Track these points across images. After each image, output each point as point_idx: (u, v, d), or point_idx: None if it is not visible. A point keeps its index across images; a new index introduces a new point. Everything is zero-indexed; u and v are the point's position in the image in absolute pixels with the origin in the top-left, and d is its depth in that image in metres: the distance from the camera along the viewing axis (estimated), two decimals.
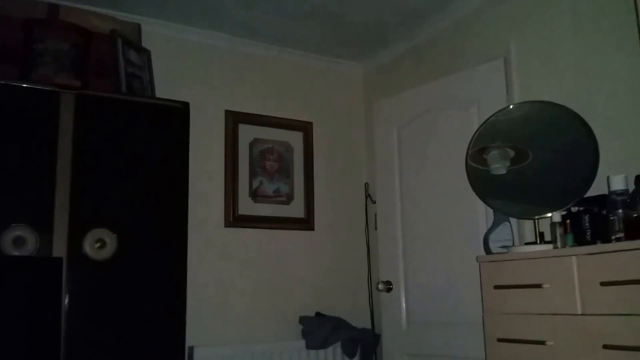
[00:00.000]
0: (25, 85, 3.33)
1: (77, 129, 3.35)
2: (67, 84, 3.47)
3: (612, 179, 2.62)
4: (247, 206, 4.71)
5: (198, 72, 4.65)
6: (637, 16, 2.63)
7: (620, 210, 2.55)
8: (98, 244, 3.30)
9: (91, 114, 3.43)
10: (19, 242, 3.11)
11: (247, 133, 4.79)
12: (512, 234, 3.28)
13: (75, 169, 3.31)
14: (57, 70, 3.58)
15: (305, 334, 4.51)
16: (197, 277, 4.19)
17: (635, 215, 2.47)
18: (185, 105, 3.75)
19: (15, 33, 3.60)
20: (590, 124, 2.97)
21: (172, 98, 3.84)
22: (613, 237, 2.56)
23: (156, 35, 4.42)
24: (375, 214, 4.71)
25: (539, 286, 2.67)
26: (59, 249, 3.21)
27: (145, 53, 4.10)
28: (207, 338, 4.29)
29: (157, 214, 3.55)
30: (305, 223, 4.94)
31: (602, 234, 2.68)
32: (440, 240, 4.06)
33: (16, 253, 3.10)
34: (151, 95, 3.98)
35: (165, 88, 4.19)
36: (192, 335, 3.73)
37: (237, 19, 4.49)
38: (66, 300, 3.17)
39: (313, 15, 4.45)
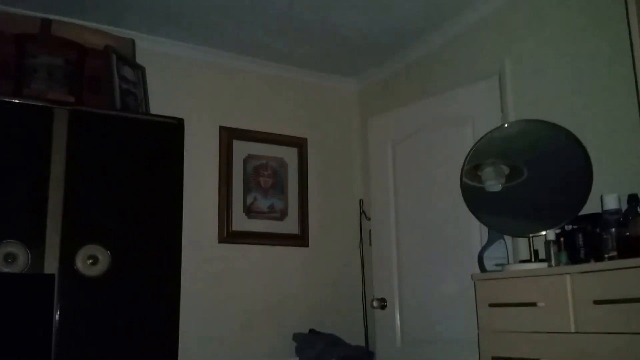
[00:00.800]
0: (18, 101, 3.32)
1: (70, 145, 3.34)
2: (60, 100, 3.46)
3: (605, 198, 2.64)
4: (241, 222, 4.70)
5: (193, 88, 4.65)
6: (630, 35, 2.64)
7: (613, 229, 2.57)
8: (90, 261, 3.29)
9: (85, 130, 3.42)
10: (10, 258, 3.09)
11: (241, 149, 4.79)
12: (507, 251, 3.28)
13: (68, 185, 3.30)
14: (50, 86, 3.58)
15: (299, 351, 4.49)
16: (190, 293, 4.16)
17: (628, 234, 2.47)
18: (180, 121, 3.74)
19: (8, 48, 3.60)
20: (584, 142, 2.97)
21: (167, 114, 3.83)
22: (606, 256, 2.58)
23: (151, 51, 4.43)
24: (370, 231, 4.70)
25: (533, 304, 2.66)
26: (51, 265, 3.19)
27: (139, 69, 4.10)
28: (199, 355, 4.27)
29: (150, 230, 3.54)
30: (300, 239, 4.93)
31: (595, 253, 2.68)
32: (435, 257, 4.05)
33: (7, 270, 3.08)
34: (145, 112, 3.98)
35: (160, 104, 4.20)
36: (184, 352, 3.70)
37: (232, 36, 4.50)
38: (57, 317, 3.15)
39: (308, 33, 4.47)
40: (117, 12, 4.11)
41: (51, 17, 3.89)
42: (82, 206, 3.34)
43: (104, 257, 3.33)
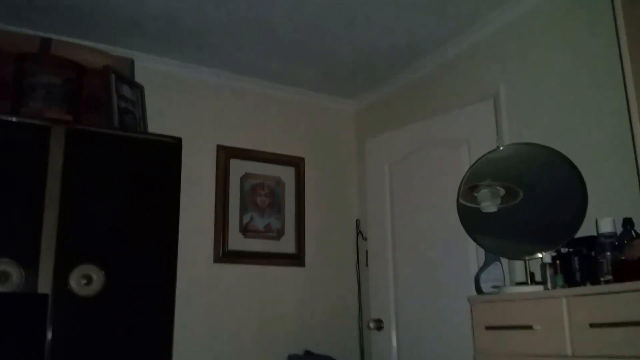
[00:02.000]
0: (15, 120, 3.32)
1: (66, 163, 3.33)
2: (58, 119, 3.46)
3: (600, 221, 2.64)
4: (237, 241, 4.70)
5: (190, 107, 4.67)
6: (621, 61, 2.66)
7: (608, 253, 2.57)
8: (84, 280, 3.26)
9: (82, 149, 3.41)
10: (3, 277, 3.07)
11: (238, 168, 4.80)
12: (503, 273, 3.27)
13: (64, 204, 3.28)
14: (48, 105, 3.58)
15: None
16: (185, 313, 4.14)
17: (623, 257, 2.48)
18: (178, 140, 3.75)
19: (7, 67, 3.59)
20: (579, 165, 2.98)
21: (165, 133, 3.83)
22: (602, 279, 2.57)
23: (149, 70, 4.44)
24: (367, 251, 4.70)
25: (529, 327, 2.65)
26: (45, 284, 3.17)
27: (138, 88, 4.11)
28: None
29: (146, 250, 3.52)
30: (296, 259, 4.92)
31: (591, 276, 2.68)
32: (431, 278, 4.05)
33: (0, 289, 3.06)
34: (143, 131, 3.98)
35: (158, 123, 4.20)
36: None
37: (231, 56, 4.53)
38: (50, 337, 3.12)
39: (306, 55, 4.50)
40: (117, 32, 4.14)
41: (51, 36, 3.90)
42: (77, 225, 3.32)
43: (98, 277, 3.31)
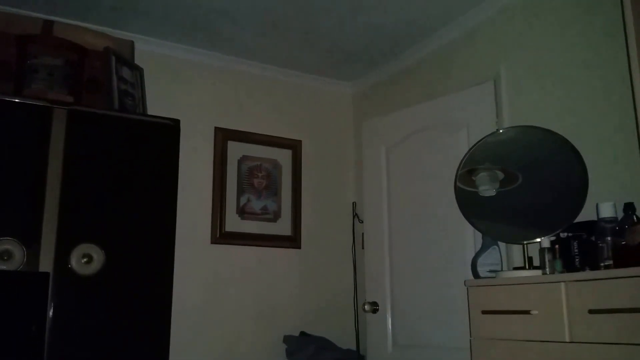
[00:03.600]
0: (17, 100, 3.33)
1: (68, 144, 3.34)
2: (59, 100, 3.47)
3: (601, 206, 2.63)
4: (234, 223, 4.71)
5: (189, 89, 4.68)
6: (627, 41, 2.64)
7: (609, 238, 2.56)
8: (85, 259, 3.29)
9: (82, 130, 3.42)
10: (5, 255, 3.09)
11: (236, 150, 4.80)
12: (501, 258, 3.28)
13: (65, 184, 3.30)
14: (50, 86, 3.60)
15: (289, 354, 4.49)
16: (182, 293, 4.17)
17: (624, 242, 2.47)
18: (176, 122, 3.75)
19: (10, 49, 3.61)
20: (580, 149, 2.97)
21: (163, 115, 3.84)
22: (602, 264, 2.56)
23: (149, 52, 4.46)
24: (363, 234, 4.71)
25: (527, 312, 2.65)
26: (46, 263, 3.19)
27: (138, 70, 4.11)
28: (190, 356, 4.29)
29: (144, 230, 3.54)
30: (292, 241, 4.94)
31: (591, 261, 2.67)
32: (428, 261, 4.06)
33: (2, 267, 3.08)
34: (143, 112, 3.98)
35: (157, 105, 4.22)
36: (176, 353, 3.69)
37: (229, 39, 4.52)
38: (51, 315, 3.15)
39: (305, 37, 4.50)
40: (118, 14, 4.13)
41: (53, 18, 3.91)
42: (78, 205, 3.34)
43: (98, 256, 3.33)
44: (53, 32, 3.77)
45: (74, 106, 3.46)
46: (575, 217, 2.87)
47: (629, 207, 2.58)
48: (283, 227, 4.94)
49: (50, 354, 3.12)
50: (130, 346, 3.38)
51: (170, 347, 3.50)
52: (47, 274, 3.18)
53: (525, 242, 3.06)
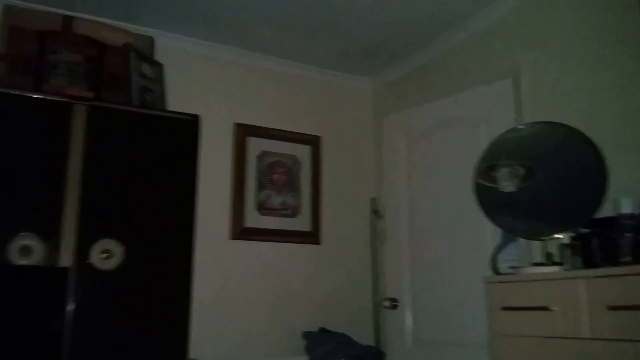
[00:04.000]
0: (37, 96, 3.35)
1: (87, 139, 3.36)
2: (79, 95, 3.50)
3: (620, 202, 2.61)
4: (253, 219, 4.72)
5: (209, 85, 4.69)
6: None
7: (628, 234, 2.54)
8: (105, 255, 3.30)
9: (102, 126, 3.44)
10: (25, 250, 3.12)
11: (255, 146, 4.81)
12: (521, 254, 3.27)
13: (85, 179, 3.32)
14: (70, 82, 3.63)
15: (308, 350, 4.49)
16: (202, 288, 4.17)
17: None
18: (196, 118, 3.77)
19: (29, 44, 3.64)
20: (599, 145, 2.96)
21: (183, 110, 3.85)
22: (621, 261, 2.54)
23: (169, 48, 4.46)
24: (382, 230, 4.71)
25: (546, 309, 2.64)
26: (66, 258, 3.22)
27: (158, 66, 4.14)
28: (210, 351, 4.28)
29: (164, 225, 3.56)
30: (311, 237, 4.94)
31: (610, 257, 2.65)
32: (447, 257, 4.05)
33: (22, 262, 3.10)
34: (162, 108, 4.00)
35: (177, 100, 4.24)
36: (195, 348, 3.72)
37: (249, 34, 4.53)
38: (70, 310, 3.17)
39: (324, 32, 4.49)
40: (137, 10, 4.15)
41: (73, 14, 3.93)
42: (98, 200, 3.36)
43: (118, 251, 3.35)
44: (72, 28, 3.81)
45: (93, 102, 3.48)
46: (595, 213, 2.86)
47: None
48: (302, 222, 4.94)
49: (69, 349, 3.14)
50: (150, 341, 3.39)
51: (190, 341, 3.52)
52: (66, 269, 3.20)
53: (545, 238, 3.06)
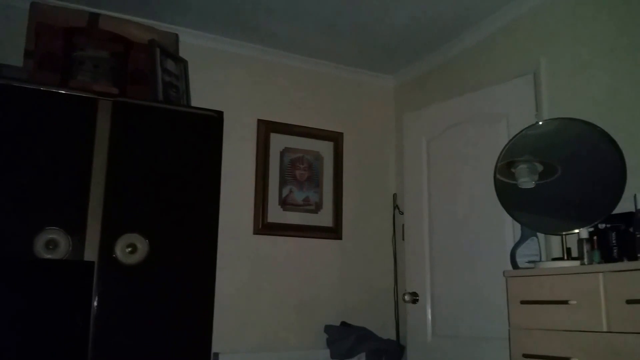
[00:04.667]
0: (64, 92, 3.39)
1: (113, 135, 3.41)
2: (105, 91, 3.53)
3: (639, 197, 2.62)
4: (276, 214, 4.76)
5: (232, 82, 4.73)
6: None
7: None
8: (129, 249, 3.35)
9: (127, 121, 3.49)
10: (51, 245, 3.16)
11: (278, 142, 4.85)
12: (539, 249, 3.29)
13: (110, 174, 3.37)
14: (95, 78, 3.67)
15: (330, 343, 4.53)
16: (225, 283, 4.23)
17: None
18: (220, 114, 3.80)
19: (56, 41, 3.68)
20: (618, 140, 2.97)
21: (207, 107, 3.89)
22: (639, 255, 2.56)
23: (193, 45, 4.52)
24: (403, 225, 4.73)
25: (565, 302, 2.66)
26: (91, 252, 3.26)
27: (182, 63, 4.17)
28: (232, 345, 4.34)
29: (188, 220, 3.59)
30: (333, 232, 4.98)
31: (628, 252, 2.68)
32: (467, 253, 4.06)
33: (48, 256, 3.15)
34: (187, 104, 4.04)
35: (201, 97, 4.28)
36: (218, 342, 3.76)
37: (272, 32, 4.57)
38: (95, 303, 3.21)
39: (347, 31, 4.52)
40: (163, 7, 4.21)
41: (99, 11, 3.98)
42: (123, 195, 3.40)
43: (142, 246, 3.39)
44: (99, 25, 3.84)
45: (118, 98, 3.52)
46: (614, 208, 2.86)
47: None
48: (324, 218, 4.98)
49: (95, 342, 3.18)
50: (174, 335, 3.43)
51: (213, 335, 3.55)
52: (92, 263, 3.25)
53: (563, 233, 3.07)
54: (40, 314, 3.05)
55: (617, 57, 3.40)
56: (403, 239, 4.72)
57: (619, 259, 2.73)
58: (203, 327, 3.52)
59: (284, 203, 4.80)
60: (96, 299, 3.23)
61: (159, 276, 3.44)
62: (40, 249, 3.14)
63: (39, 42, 3.68)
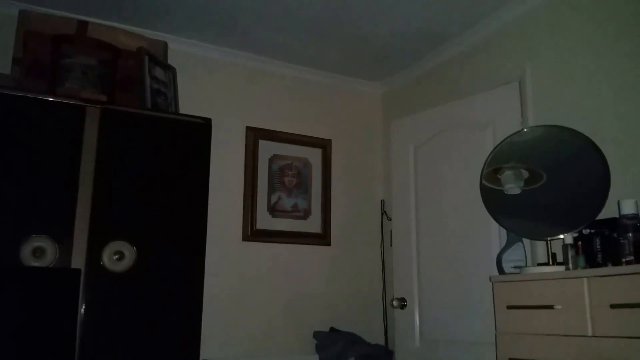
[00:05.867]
0: (52, 99, 3.38)
1: (100, 142, 3.40)
2: (93, 99, 3.54)
3: (622, 203, 2.63)
4: (265, 220, 4.77)
5: (221, 89, 4.74)
6: None
7: (630, 234, 2.56)
8: (117, 256, 3.34)
9: (115, 128, 3.48)
10: (38, 252, 3.15)
11: (267, 149, 4.86)
12: (525, 254, 3.30)
13: (97, 182, 3.36)
14: (83, 85, 3.67)
15: (319, 349, 4.54)
16: (213, 290, 4.23)
17: None
18: (208, 121, 3.80)
19: (45, 48, 3.68)
20: (602, 147, 3.00)
21: (196, 114, 3.89)
22: (623, 260, 2.57)
23: (182, 53, 4.53)
24: (391, 231, 4.74)
25: (550, 307, 2.68)
26: (78, 260, 3.25)
27: (170, 70, 4.18)
28: (221, 351, 4.34)
29: (176, 227, 3.58)
30: (322, 238, 4.99)
31: (613, 257, 2.69)
32: (454, 258, 4.09)
33: (35, 263, 3.14)
34: (175, 111, 4.04)
35: (189, 104, 4.28)
36: (206, 348, 3.77)
37: (260, 39, 4.58)
38: (82, 311, 3.20)
39: (334, 38, 4.54)
40: (152, 15, 4.21)
41: (88, 19, 3.98)
42: (110, 203, 3.39)
43: (129, 253, 3.38)
44: (87, 33, 3.85)
45: (107, 105, 3.52)
46: (598, 214, 2.89)
47: None
48: (313, 224, 4.98)
49: (82, 350, 3.17)
50: (162, 342, 3.42)
51: (202, 342, 3.56)
52: (78, 271, 3.23)
53: (549, 239, 3.09)
54: (27, 322, 3.03)
55: (600, 65, 3.43)
56: (391, 245, 4.73)
57: (604, 264, 2.74)
58: (191, 333, 3.51)
59: (273, 210, 4.81)
60: (83, 306, 3.21)
61: (147, 283, 3.43)
62: (27, 257, 3.13)
63: (27, 50, 3.68)
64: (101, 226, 3.34)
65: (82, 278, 3.24)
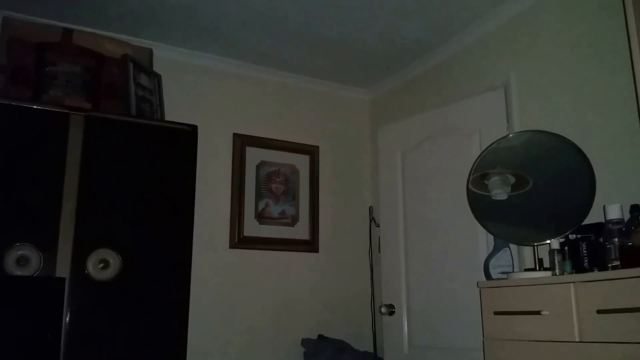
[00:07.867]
0: (36, 107, 3.37)
1: (85, 150, 3.39)
2: (77, 106, 3.52)
3: (608, 208, 2.64)
4: (252, 227, 4.75)
5: (208, 96, 4.73)
6: (630, 49, 2.67)
7: (616, 239, 2.58)
8: (101, 264, 3.32)
9: (100, 136, 3.47)
10: (22, 261, 3.13)
11: (254, 156, 4.85)
12: (512, 259, 3.30)
13: (82, 190, 3.34)
14: (68, 93, 3.65)
15: (307, 357, 4.51)
16: (201, 297, 4.22)
17: (630, 243, 2.50)
18: (194, 128, 3.79)
19: (29, 56, 3.66)
20: (587, 153, 3.01)
21: (182, 121, 3.88)
22: (610, 265, 2.58)
23: (167, 60, 4.52)
24: (379, 238, 4.74)
25: (537, 313, 2.67)
26: (62, 269, 3.23)
27: (156, 77, 4.17)
28: (209, 359, 4.32)
29: (162, 235, 3.57)
30: (310, 245, 4.98)
31: (599, 262, 2.69)
32: (442, 264, 4.09)
33: (19, 272, 3.12)
34: (160, 118, 4.03)
35: (175, 111, 4.27)
36: (193, 357, 3.74)
37: (247, 46, 4.58)
38: (67, 320, 3.18)
39: (322, 45, 4.55)
40: (137, 23, 4.20)
41: (73, 27, 3.97)
42: (95, 210, 3.38)
43: (114, 262, 3.36)
44: (72, 40, 3.83)
45: (91, 112, 3.51)
46: (584, 219, 2.89)
47: (635, 209, 2.59)
48: (301, 231, 4.98)
49: (66, 359, 3.15)
50: (148, 351, 3.40)
51: (188, 350, 3.54)
52: (63, 279, 3.21)
53: (535, 244, 3.09)
54: (12, 331, 3.01)
55: (584, 71, 3.45)
56: (379, 251, 4.72)
57: (590, 269, 2.73)
58: (177, 342, 3.50)
59: (260, 217, 4.80)
60: (68, 315, 3.19)
61: (132, 292, 3.41)
62: (10, 266, 3.11)
63: (11, 57, 3.66)
64: (86, 234, 3.32)
65: (66, 287, 3.22)
